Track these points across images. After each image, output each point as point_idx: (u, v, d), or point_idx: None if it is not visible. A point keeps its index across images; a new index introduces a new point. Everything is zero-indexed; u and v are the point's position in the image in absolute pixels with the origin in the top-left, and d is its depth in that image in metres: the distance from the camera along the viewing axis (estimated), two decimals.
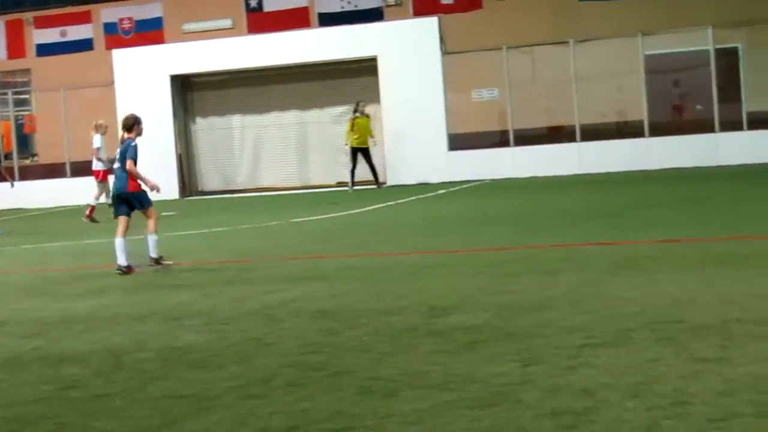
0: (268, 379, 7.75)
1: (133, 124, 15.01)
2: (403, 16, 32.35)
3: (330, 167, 31.48)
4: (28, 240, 21.16)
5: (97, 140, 24.76)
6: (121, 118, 26.44)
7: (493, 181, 28.71)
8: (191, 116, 33.24)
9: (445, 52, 30.12)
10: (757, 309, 8.97)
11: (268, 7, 33.52)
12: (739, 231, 14.77)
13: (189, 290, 12.68)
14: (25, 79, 39.29)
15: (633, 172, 27.39)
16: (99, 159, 24.67)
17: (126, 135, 15.00)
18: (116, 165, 15.06)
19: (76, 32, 35.35)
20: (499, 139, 31.03)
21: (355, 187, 29.25)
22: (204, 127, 33.14)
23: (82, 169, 31.08)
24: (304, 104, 32.18)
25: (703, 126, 28.85)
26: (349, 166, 29.66)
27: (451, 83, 30.12)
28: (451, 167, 29.72)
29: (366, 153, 29.53)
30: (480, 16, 32.24)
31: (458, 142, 30.19)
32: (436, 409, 6.58)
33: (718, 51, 28.76)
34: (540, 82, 31.99)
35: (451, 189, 27.09)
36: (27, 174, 34.33)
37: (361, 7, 32.73)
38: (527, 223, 18.03)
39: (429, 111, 29.88)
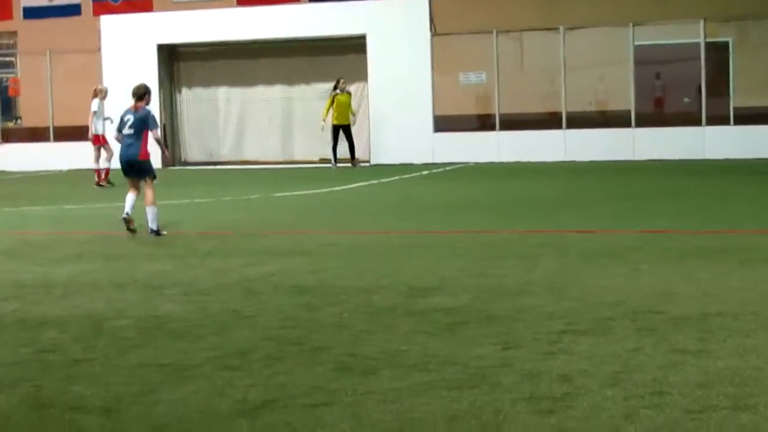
0: (246, 352, 7.75)
1: (144, 93, 15.34)
2: None
3: (314, 144, 31.35)
4: (8, 203, 21.06)
5: (94, 104, 24.68)
6: (106, 84, 26.74)
7: (477, 164, 28.69)
8: (177, 86, 33.06)
9: (435, 33, 30.04)
10: (737, 303, 9.01)
11: None
12: (722, 225, 14.85)
13: (169, 260, 12.67)
14: (11, 42, 39.02)
15: (618, 161, 27.41)
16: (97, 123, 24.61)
17: (137, 103, 15.15)
18: (126, 131, 15.11)
19: None
20: (485, 123, 30.99)
21: (339, 165, 29.19)
22: (189, 98, 32.98)
23: (65, 133, 30.95)
24: (291, 79, 32.05)
25: (690, 119, 28.90)
26: (331, 143, 29.59)
27: (439, 65, 30.04)
28: (435, 149, 29.67)
29: (347, 130, 29.43)
30: None
31: (444, 124, 30.13)
32: (414, 389, 6.58)
33: (708, 45, 28.76)
34: (528, 67, 31.94)
35: (435, 171, 27.07)
36: (9, 137, 34.16)
37: None
38: (509, 208, 18.05)
39: (416, 91, 29.79)
